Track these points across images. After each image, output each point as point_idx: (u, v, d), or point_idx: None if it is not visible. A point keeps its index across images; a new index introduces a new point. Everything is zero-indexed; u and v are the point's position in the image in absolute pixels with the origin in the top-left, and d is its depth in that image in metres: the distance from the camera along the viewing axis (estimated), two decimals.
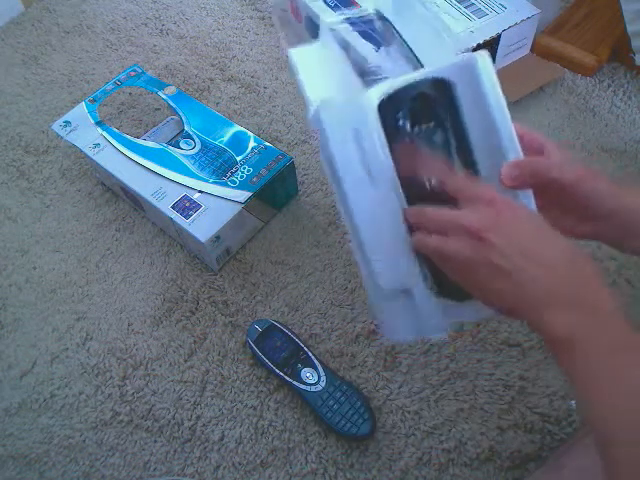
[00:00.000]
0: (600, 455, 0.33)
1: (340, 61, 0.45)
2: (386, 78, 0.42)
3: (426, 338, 0.44)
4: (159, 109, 0.87)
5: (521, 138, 0.41)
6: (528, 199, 0.40)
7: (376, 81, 0.42)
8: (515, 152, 0.40)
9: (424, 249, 0.40)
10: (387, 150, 0.40)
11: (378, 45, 0.48)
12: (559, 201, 0.41)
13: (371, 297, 0.42)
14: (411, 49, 0.46)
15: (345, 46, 0.47)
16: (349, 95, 0.41)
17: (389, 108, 0.40)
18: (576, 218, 0.42)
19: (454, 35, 0.44)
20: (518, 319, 0.37)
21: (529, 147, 0.42)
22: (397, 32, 0.47)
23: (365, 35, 0.49)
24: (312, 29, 0.89)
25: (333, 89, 0.42)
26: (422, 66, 0.44)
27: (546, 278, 0.35)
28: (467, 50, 0.41)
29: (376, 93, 0.40)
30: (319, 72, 0.44)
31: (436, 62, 0.41)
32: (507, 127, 0.40)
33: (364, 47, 0.48)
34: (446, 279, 0.40)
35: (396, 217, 0.40)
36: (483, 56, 0.39)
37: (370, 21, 0.49)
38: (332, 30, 0.48)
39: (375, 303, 0.43)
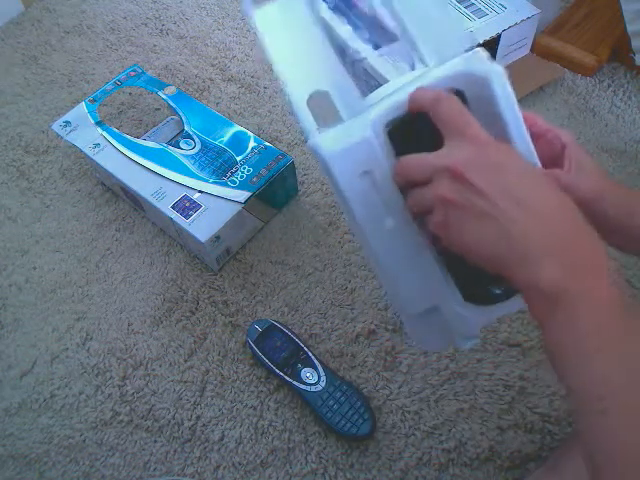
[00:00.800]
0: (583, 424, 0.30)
1: (312, 27, 0.40)
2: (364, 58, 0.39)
3: (458, 346, 0.43)
4: (159, 109, 0.87)
5: (544, 134, 0.41)
6: None
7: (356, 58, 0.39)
8: (531, 160, 0.38)
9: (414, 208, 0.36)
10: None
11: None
12: None
13: (398, 313, 0.42)
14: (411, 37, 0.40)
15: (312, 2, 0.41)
16: (348, 113, 0.37)
17: (398, 130, 0.37)
18: None
19: (459, 23, 0.40)
20: (499, 272, 0.33)
21: (550, 145, 0.41)
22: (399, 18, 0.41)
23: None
24: None
25: (309, 65, 0.38)
26: (423, 61, 0.40)
27: (534, 226, 0.32)
28: (473, 45, 0.38)
29: (381, 122, 0.36)
30: (290, 42, 0.39)
31: (443, 55, 0.38)
32: (521, 132, 0.37)
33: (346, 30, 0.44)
34: (470, 285, 0.39)
35: (416, 241, 0.38)
36: (498, 72, 0.36)
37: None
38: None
39: (403, 319, 0.42)
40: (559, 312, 0.31)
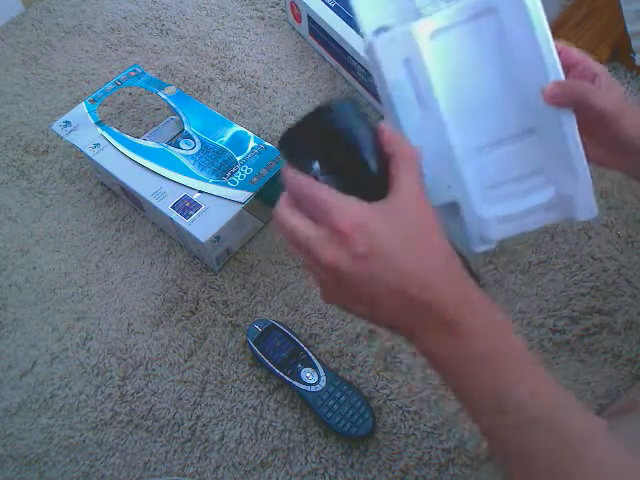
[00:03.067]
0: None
1: None
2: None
3: (472, 251, 0.44)
4: (159, 109, 0.87)
5: (577, 63, 0.43)
6: (569, 119, 0.41)
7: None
8: (556, 72, 0.41)
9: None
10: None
11: None
12: (596, 128, 0.42)
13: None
14: None
15: None
16: (402, 23, 0.42)
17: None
18: (608, 148, 0.43)
19: None
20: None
21: (582, 72, 0.43)
22: None
23: None
24: (312, 29, 0.88)
25: (386, 13, 0.44)
26: None
27: (401, 311, 0.34)
28: None
29: (428, 26, 0.41)
30: None
31: None
32: (549, 47, 0.40)
33: None
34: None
35: (442, 136, 0.42)
36: None
37: None
38: None
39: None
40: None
